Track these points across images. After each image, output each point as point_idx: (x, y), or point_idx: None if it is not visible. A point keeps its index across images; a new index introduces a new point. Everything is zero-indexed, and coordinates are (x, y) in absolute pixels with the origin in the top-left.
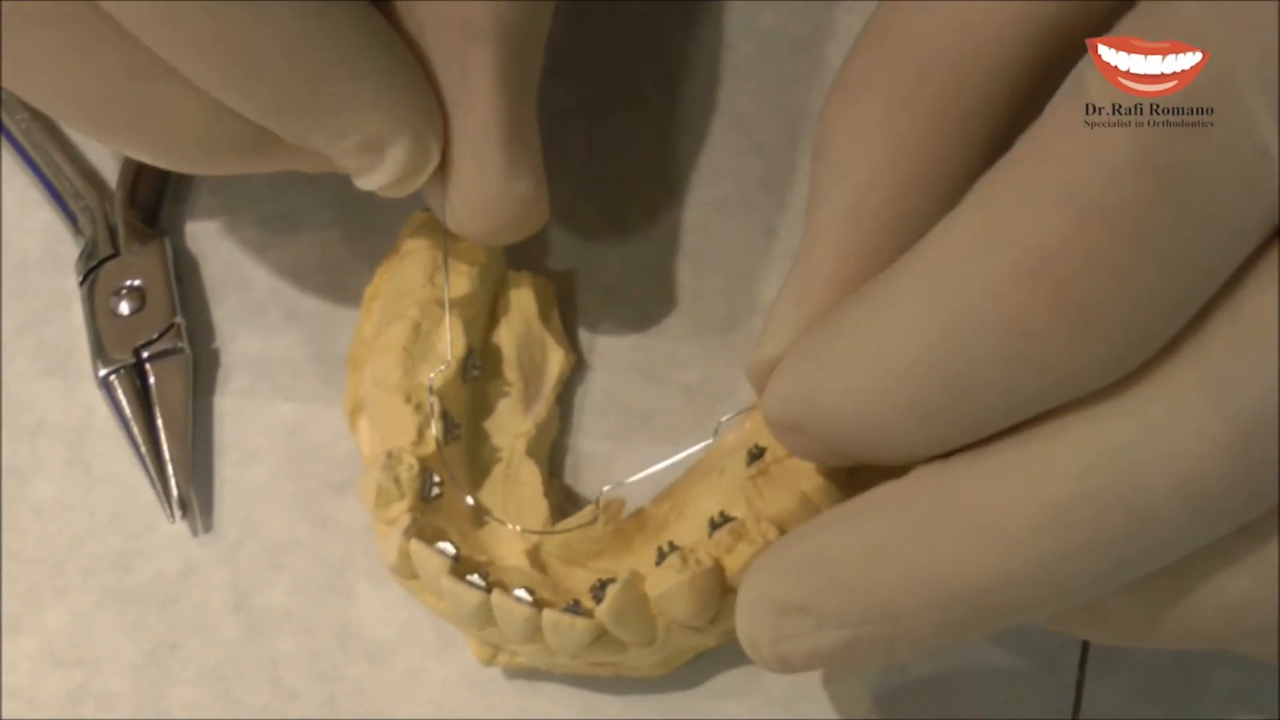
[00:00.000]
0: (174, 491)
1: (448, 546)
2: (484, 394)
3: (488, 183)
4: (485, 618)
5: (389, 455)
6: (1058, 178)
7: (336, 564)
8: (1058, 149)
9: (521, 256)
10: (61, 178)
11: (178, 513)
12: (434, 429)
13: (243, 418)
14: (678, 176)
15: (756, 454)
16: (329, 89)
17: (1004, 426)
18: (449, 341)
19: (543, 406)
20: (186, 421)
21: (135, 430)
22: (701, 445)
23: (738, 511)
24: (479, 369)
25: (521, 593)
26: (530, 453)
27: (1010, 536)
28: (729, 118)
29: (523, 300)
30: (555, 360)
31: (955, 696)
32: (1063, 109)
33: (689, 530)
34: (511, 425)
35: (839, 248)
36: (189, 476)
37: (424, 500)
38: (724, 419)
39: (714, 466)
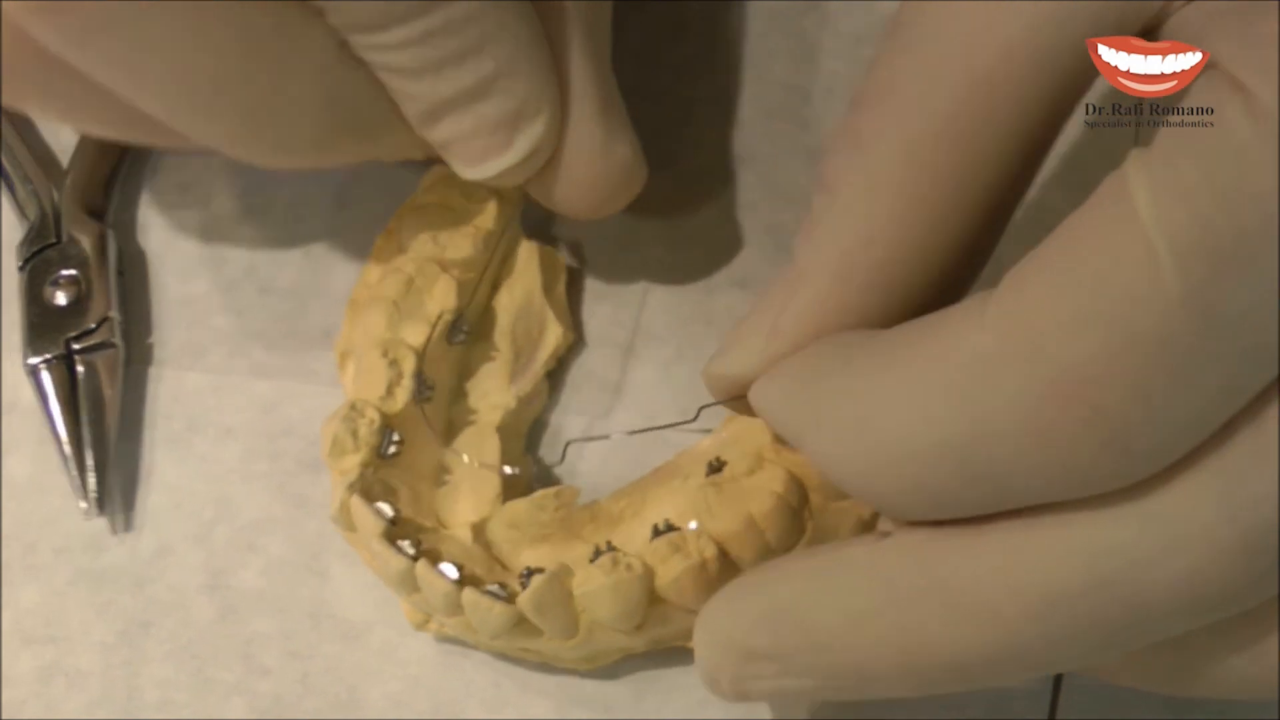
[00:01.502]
0: (91, 488)
1: (386, 508)
2: (471, 357)
3: (593, 154)
4: (410, 584)
5: (352, 407)
6: (1097, 299)
7: (311, 544)
8: (1100, 266)
9: (539, 229)
10: (13, 159)
11: (94, 509)
12: (405, 382)
13: (218, 395)
14: (656, 150)
15: (716, 467)
16: (495, 46)
17: (1014, 508)
18: (439, 299)
19: (529, 381)
20: (111, 418)
21: (59, 424)
22: (684, 422)
23: (686, 523)
24: (467, 333)
25: (448, 567)
26: (503, 427)
27: (1004, 621)
28: (707, 92)
29: (528, 270)
30: (553, 335)
31: (930, 695)
32: (1106, 218)
33: (638, 531)
34: (493, 394)
35: (825, 295)
36: (106, 475)
37: (380, 456)
38: (704, 405)
39: (680, 470)
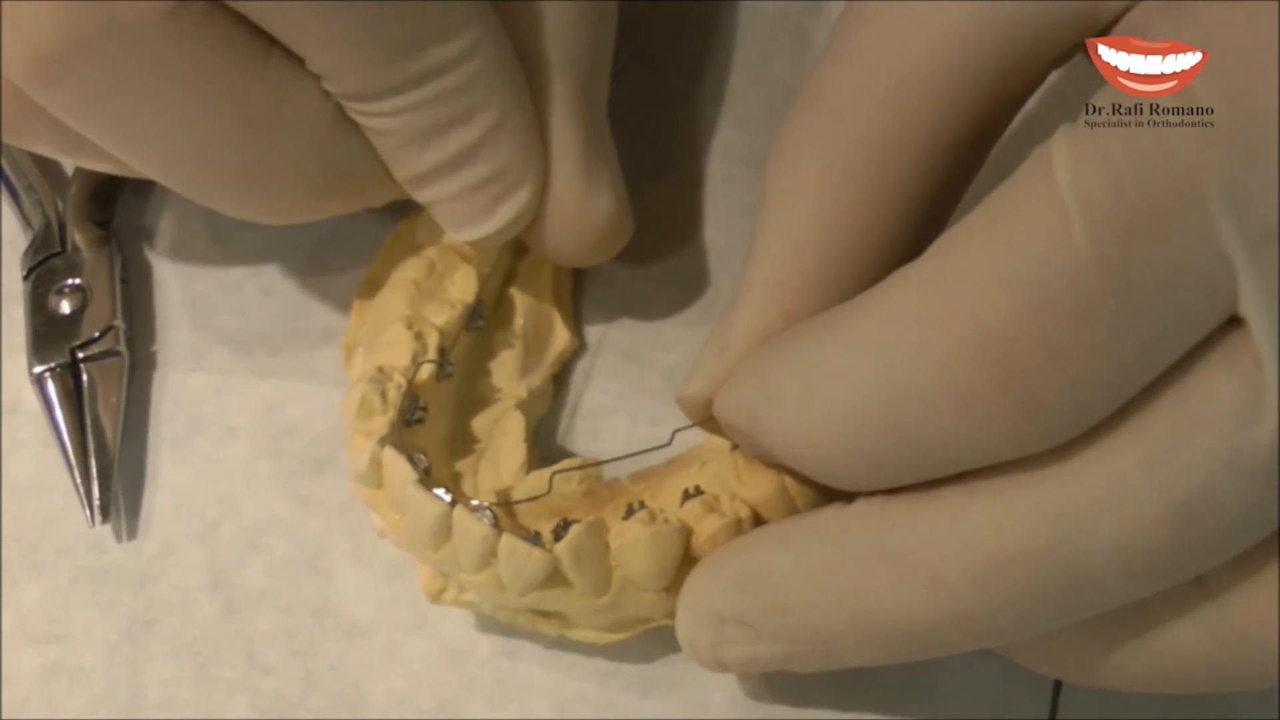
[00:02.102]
0: (95, 497)
1: (422, 458)
2: (489, 342)
3: (574, 211)
4: (443, 534)
5: (379, 369)
6: (1012, 261)
7: (314, 543)
8: (1016, 231)
9: None
10: (17, 169)
11: (98, 518)
12: (430, 354)
13: (221, 396)
14: (658, 153)
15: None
16: (482, 116)
17: (948, 474)
18: (460, 286)
19: (538, 378)
20: (115, 428)
21: (64, 432)
22: (658, 447)
23: (716, 490)
24: (483, 320)
25: (485, 513)
26: (519, 409)
27: (948, 585)
28: (710, 93)
29: (540, 274)
30: (560, 339)
31: (932, 695)
32: (1026, 185)
33: (667, 499)
34: (507, 382)
35: (765, 305)
36: (111, 483)
37: (405, 422)
38: (678, 429)
39: (696, 459)
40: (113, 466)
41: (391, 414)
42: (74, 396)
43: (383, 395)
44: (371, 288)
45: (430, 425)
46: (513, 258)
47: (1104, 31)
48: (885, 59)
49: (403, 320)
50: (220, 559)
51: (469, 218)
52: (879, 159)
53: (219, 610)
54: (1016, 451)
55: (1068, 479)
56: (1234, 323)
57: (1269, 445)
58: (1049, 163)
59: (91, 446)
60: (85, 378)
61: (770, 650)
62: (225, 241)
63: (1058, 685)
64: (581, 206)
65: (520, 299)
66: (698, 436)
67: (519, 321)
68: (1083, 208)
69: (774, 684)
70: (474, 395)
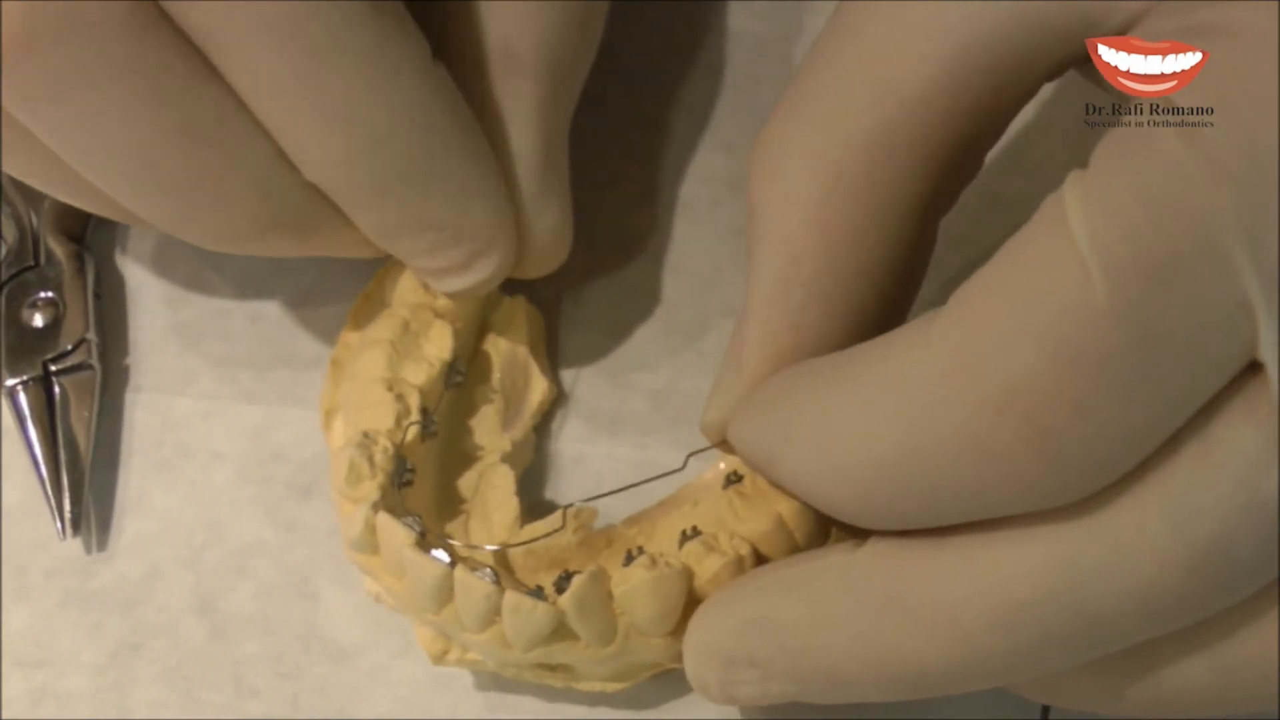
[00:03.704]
0: (67, 510)
1: (414, 521)
2: (469, 398)
3: (522, 215)
4: (444, 595)
5: (365, 435)
6: (1034, 316)
7: (301, 567)
8: (1036, 284)
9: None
10: None
11: (69, 530)
12: (413, 416)
13: (207, 421)
14: (644, 177)
15: (735, 479)
16: (449, 165)
17: (962, 522)
18: (436, 343)
19: (519, 430)
20: (88, 440)
21: (36, 445)
22: (671, 472)
23: (712, 530)
24: (462, 375)
25: (485, 571)
26: (505, 461)
27: (964, 631)
28: (695, 117)
29: (514, 325)
30: (538, 390)
31: (929, 705)
32: (1042, 237)
33: (665, 543)
34: (489, 438)
35: (770, 320)
36: (82, 496)
37: (395, 486)
38: (692, 453)
39: (688, 499)
40: (84, 480)
41: (381, 478)
42: (46, 409)
43: (370, 460)
44: (345, 351)
45: (418, 487)
46: (485, 310)
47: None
48: (876, 62)
49: (382, 382)
50: (207, 583)
51: (442, 274)
52: (872, 158)
53: (206, 634)
54: (1038, 505)
55: (1086, 525)
56: (1255, 368)
57: None
58: (1063, 213)
59: (63, 459)
60: (57, 390)
61: (782, 689)
62: (213, 265)
63: None
64: (530, 214)
65: (496, 353)
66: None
67: (497, 375)
68: (1101, 259)
69: None
70: (457, 453)
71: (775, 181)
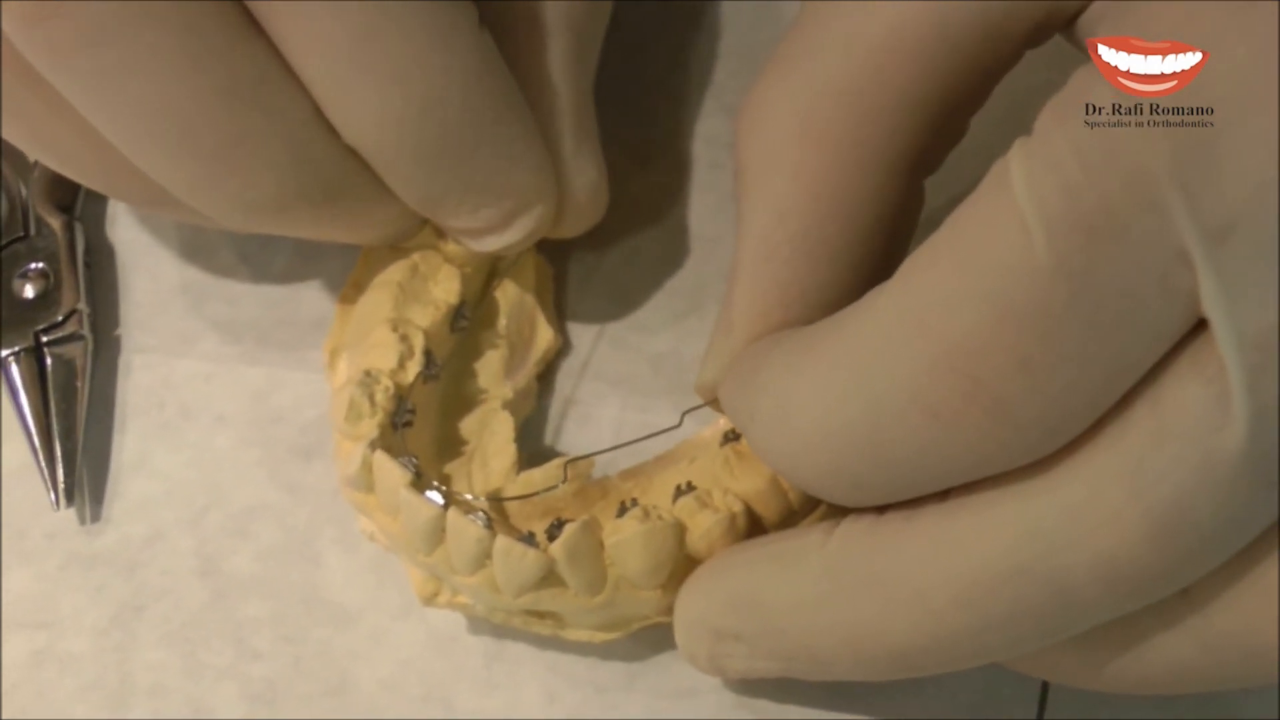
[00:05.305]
0: (60, 481)
1: (410, 462)
2: (474, 343)
3: (559, 173)
4: (436, 537)
5: (367, 373)
6: (975, 274)
7: (303, 530)
8: (978, 243)
9: None
10: None
11: (63, 501)
12: (416, 357)
13: (210, 383)
14: (644, 141)
15: (732, 437)
16: (496, 126)
17: (930, 492)
18: (443, 287)
19: (522, 378)
20: (80, 410)
21: (29, 416)
22: (668, 429)
23: (707, 486)
24: (468, 321)
25: (478, 515)
26: (506, 409)
27: (933, 607)
28: (697, 80)
29: (522, 273)
30: (544, 338)
31: (921, 694)
32: (985, 198)
33: (659, 496)
34: (493, 383)
35: (757, 279)
36: (75, 467)
37: (394, 426)
38: (686, 410)
39: (685, 455)
40: (77, 450)
41: (380, 417)
42: (38, 380)
43: (371, 399)
44: (353, 292)
45: (418, 428)
46: (494, 257)
47: (1072, 14)
48: (855, 20)
49: (388, 323)
50: (209, 545)
51: (483, 234)
52: (854, 114)
53: (208, 597)
54: (993, 466)
55: (1045, 493)
56: (1203, 325)
57: (1238, 451)
58: (1007, 174)
59: (56, 430)
60: (49, 361)
61: (768, 666)
62: (210, 230)
63: (1045, 684)
64: (570, 172)
65: (504, 299)
66: (708, 415)
67: (503, 321)
68: (1039, 214)
69: (764, 688)
70: (460, 397)
71: (759, 140)
